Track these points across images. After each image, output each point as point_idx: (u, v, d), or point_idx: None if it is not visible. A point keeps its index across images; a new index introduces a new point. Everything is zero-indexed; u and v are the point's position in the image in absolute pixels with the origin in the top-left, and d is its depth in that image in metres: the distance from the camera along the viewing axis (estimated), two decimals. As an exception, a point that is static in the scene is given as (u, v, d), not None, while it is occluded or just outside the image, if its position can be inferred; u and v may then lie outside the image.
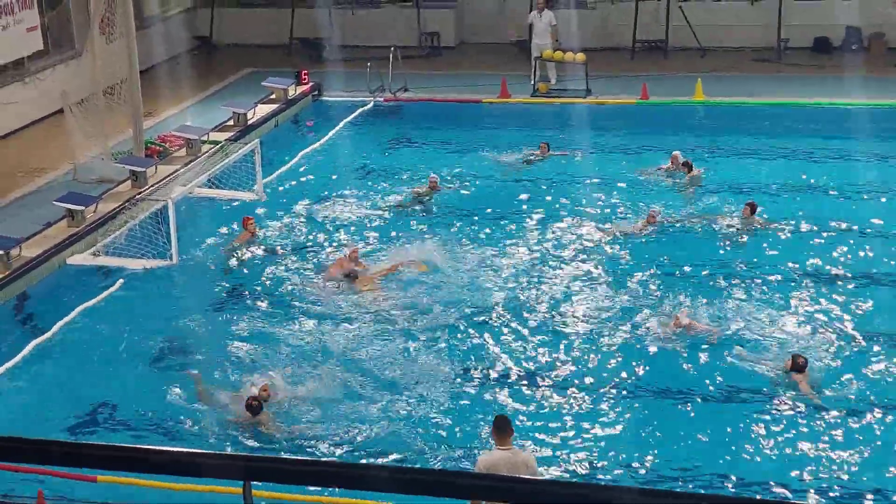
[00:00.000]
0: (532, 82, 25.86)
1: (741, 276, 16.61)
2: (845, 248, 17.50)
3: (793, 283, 16.32)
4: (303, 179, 21.37)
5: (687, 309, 15.09)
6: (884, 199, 19.54)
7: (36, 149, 22.42)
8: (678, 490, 11.18)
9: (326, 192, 20.55)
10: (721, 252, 17.56)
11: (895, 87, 25.17)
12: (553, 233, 18.50)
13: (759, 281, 16.40)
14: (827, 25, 28.49)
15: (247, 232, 18.29)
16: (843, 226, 18.30)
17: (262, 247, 18.11)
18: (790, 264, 16.94)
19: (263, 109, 24.38)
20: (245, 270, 17.42)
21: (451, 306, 15.89)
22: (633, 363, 14.33)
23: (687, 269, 16.94)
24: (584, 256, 17.56)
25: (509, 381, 14.07)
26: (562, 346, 14.82)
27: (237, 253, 17.92)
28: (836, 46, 28.41)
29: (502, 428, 10.68)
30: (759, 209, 18.50)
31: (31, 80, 23.86)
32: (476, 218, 19.19)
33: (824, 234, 18.02)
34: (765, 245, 17.73)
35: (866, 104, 23.91)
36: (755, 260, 17.19)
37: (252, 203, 19.84)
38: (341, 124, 24.54)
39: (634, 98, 25.06)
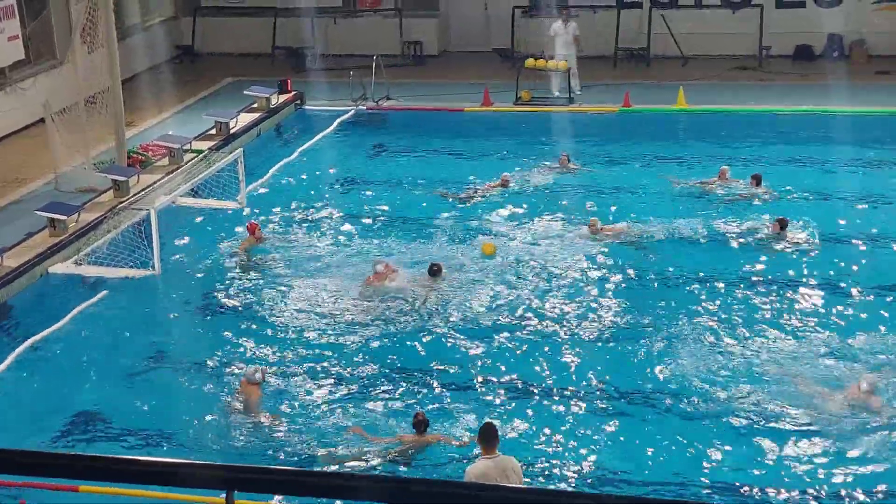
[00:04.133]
0: (519, 92, 25.86)
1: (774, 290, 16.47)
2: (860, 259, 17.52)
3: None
4: (285, 188, 21.34)
5: (872, 378, 13.47)
6: (871, 207, 19.58)
7: (17, 158, 22.32)
8: (667, 499, 11.15)
9: (308, 201, 20.52)
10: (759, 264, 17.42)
11: (877, 94, 25.31)
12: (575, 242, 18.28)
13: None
14: (808, 33, 28.62)
15: (252, 237, 18.21)
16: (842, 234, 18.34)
17: (255, 255, 18.01)
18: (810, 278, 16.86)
19: (246, 118, 24.33)
20: (234, 278, 17.33)
21: (458, 313, 15.87)
22: (630, 370, 14.32)
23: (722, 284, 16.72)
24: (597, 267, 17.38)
25: (510, 388, 13.97)
26: (554, 353, 14.79)
27: (235, 259, 17.86)
28: (818, 54, 28.55)
29: (490, 436, 10.63)
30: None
31: (13, 90, 23.76)
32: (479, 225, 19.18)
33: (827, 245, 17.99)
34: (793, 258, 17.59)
35: (849, 111, 24.00)
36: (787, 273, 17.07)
37: (236, 212, 19.79)
38: (324, 133, 24.52)
39: (617, 106, 25.12)
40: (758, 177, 20.12)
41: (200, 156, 20.85)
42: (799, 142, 22.97)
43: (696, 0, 29.28)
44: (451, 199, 20.29)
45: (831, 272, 17.02)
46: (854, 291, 16.33)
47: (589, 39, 28.64)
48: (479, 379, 14.18)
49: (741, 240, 18.17)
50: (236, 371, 14.37)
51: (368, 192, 21.12)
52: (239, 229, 18.91)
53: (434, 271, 16.59)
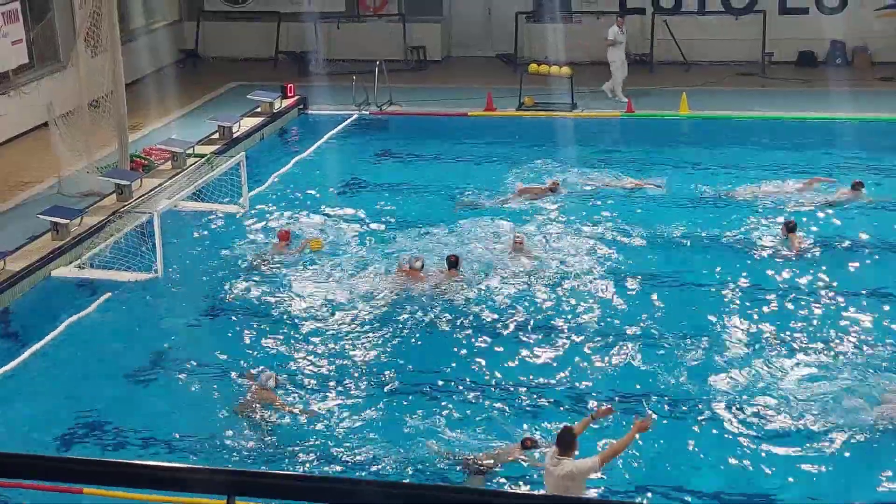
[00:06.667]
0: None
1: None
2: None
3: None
4: (288, 192, 21.33)
5: None
6: (876, 213, 19.57)
7: (21, 162, 22.35)
8: None
9: (310, 205, 20.52)
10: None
11: (880, 101, 25.30)
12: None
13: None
14: (811, 39, 28.62)
15: (283, 243, 18.18)
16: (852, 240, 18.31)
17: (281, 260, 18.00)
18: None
19: (249, 123, 24.36)
20: (237, 282, 17.31)
21: (473, 316, 15.91)
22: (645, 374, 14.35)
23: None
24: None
25: (523, 394, 14.00)
26: (569, 356, 14.79)
27: (263, 263, 17.83)
28: (821, 60, 28.55)
29: (562, 441, 10.90)
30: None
31: (17, 94, 23.79)
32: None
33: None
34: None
35: (852, 118, 23.99)
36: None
37: (238, 216, 19.81)
38: (327, 137, 24.52)
39: (619, 112, 25.13)
40: (860, 183, 19.89)
41: (203, 160, 20.87)
42: (802, 148, 22.95)
43: (698, 6, 29.30)
44: (489, 206, 20.18)
45: (838, 276, 17.05)
46: (862, 296, 16.36)
47: (592, 45, 28.65)
48: (495, 384, 14.20)
49: (749, 245, 18.16)
50: (240, 375, 14.38)
51: (372, 197, 21.10)
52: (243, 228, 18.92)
53: (452, 263, 16.77)
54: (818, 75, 27.59)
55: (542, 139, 23.93)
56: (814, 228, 18.71)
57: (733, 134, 23.89)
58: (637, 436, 11.45)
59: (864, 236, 18.48)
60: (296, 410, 13.46)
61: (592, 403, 13.49)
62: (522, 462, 12.41)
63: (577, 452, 11.00)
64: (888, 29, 28.37)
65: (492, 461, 12.44)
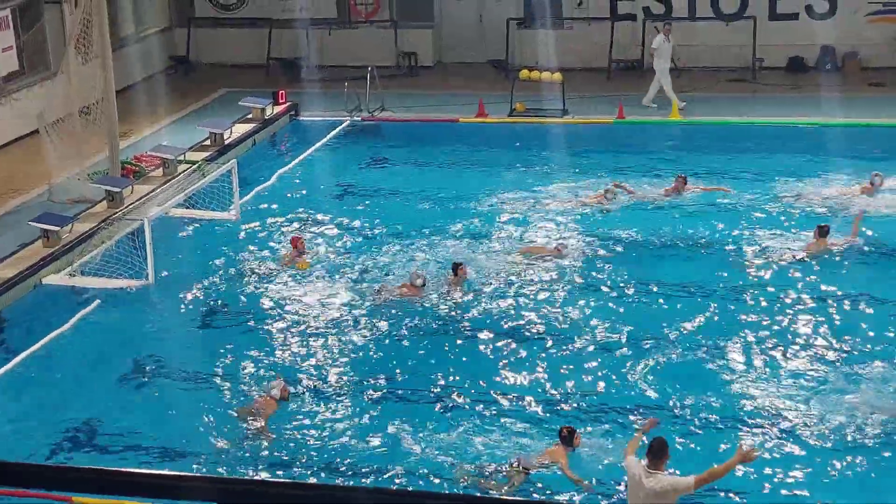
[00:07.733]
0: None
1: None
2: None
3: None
4: (280, 199, 21.31)
5: None
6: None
7: (11, 169, 22.29)
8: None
9: (303, 211, 20.51)
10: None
11: (870, 106, 25.32)
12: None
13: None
14: (801, 45, 28.65)
15: (295, 251, 18.15)
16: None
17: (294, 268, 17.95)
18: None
19: (240, 129, 24.32)
20: (229, 288, 17.30)
21: (480, 324, 15.90)
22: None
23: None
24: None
25: (532, 402, 13.98)
26: (607, 366, 14.78)
27: (279, 273, 17.78)
28: (811, 66, 28.59)
29: (653, 452, 10.75)
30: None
31: (7, 101, 23.74)
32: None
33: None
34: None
35: (842, 123, 24.02)
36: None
37: (232, 224, 19.77)
38: (318, 144, 24.51)
39: (611, 118, 25.14)
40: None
41: (194, 167, 20.84)
42: (792, 153, 22.96)
43: (689, 12, 29.33)
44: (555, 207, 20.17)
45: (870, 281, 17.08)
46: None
47: (584, 51, 28.68)
48: (498, 392, 14.18)
49: (784, 250, 18.12)
50: (231, 382, 14.37)
51: (364, 203, 21.10)
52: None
53: (455, 270, 16.82)
54: (808, 81, 27.63)
55: (533, 145, 23.97)
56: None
57: (725, 139, 23.90)
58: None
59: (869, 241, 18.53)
60: (269, 432, 13.33)
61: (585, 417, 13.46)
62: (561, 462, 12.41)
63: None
64: (879, 34, 28.42)
65: (537, 462, 12.38)
